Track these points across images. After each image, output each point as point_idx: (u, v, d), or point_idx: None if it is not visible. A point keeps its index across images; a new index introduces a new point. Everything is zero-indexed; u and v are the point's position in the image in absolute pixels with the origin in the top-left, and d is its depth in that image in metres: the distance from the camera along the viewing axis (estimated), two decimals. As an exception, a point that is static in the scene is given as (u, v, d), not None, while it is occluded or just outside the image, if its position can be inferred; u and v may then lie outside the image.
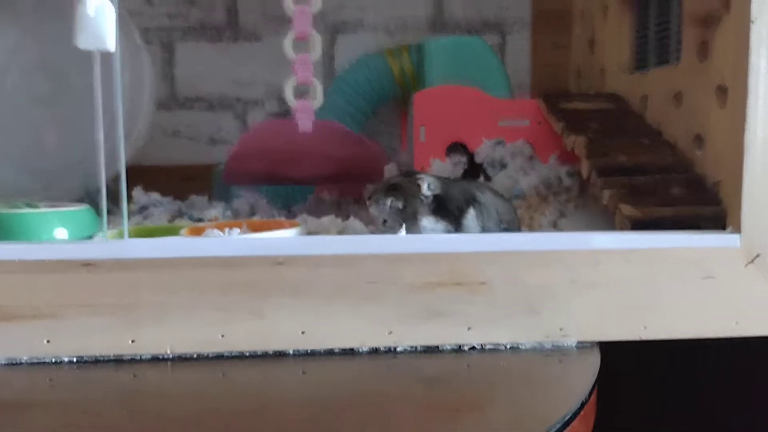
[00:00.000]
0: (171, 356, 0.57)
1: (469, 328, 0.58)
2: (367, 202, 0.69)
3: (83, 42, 0.53)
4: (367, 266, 0.57)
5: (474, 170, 1.01)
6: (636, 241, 0.60)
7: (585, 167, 0.80)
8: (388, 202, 0.68)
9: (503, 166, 1.00)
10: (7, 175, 0.89)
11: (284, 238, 0.59)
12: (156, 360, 0.56)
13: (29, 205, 0.66)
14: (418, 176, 0.69)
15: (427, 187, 0.68)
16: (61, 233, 0.61)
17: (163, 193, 1.01)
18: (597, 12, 1.10)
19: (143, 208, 0.93)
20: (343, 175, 0.86)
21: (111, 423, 0.47)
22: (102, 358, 0.56)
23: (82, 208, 0.64)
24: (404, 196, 0.68)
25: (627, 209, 0.71)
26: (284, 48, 0.81)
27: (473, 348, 0.58)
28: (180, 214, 0.94)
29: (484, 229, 0.69)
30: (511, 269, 0.58)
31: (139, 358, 0.56)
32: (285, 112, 1.24)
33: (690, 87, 0.79)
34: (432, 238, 0.59)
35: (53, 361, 0.56)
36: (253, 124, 1.00)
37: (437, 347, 0.58)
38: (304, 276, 0.57)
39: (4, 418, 0.49)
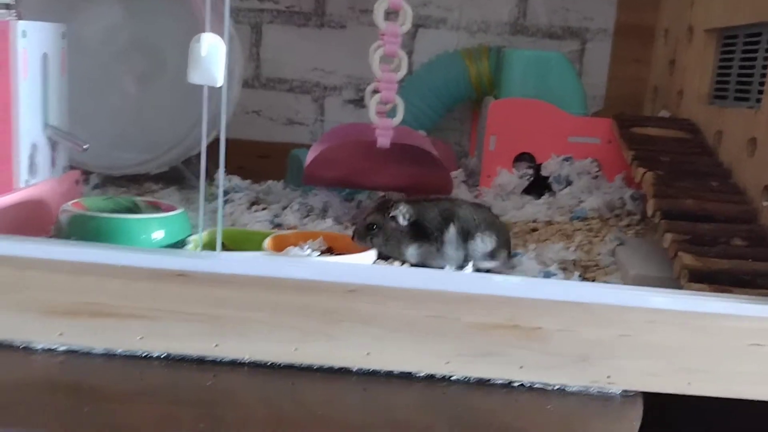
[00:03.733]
0: (248, 361, 0.63)
1: (521, 367, 0.62)
2: (354, 240, 0.73)
3: (195, 78, 0.58)
4: (431, 302, 0.62)
5: (539, 183, 1.04)
6: (692, 304, 0.62)
7: (651, 206, 0.82)
8: (369, 240, 0.72)
9: (569, 183, 1.02)
10: (106, 150, 0.95)
11: (358, 268, 0.64)
12: (234, 364, 0.63)
13: (131, 203, 0.72)
14: (391, 210, 0.71)
15: (402, 218, 0.71)
16: (158, 235, 0.68)
17: (240, 168, 1.07)
18: (682, 34, 1.09)
19: (225, 193, 0.99)
20: (414, 189, 0.89)
21: (190, 415, 0.55)
22: (187, 357, 0.63)
23: (178, 213, 0.70)
24: (384, 232, 0.71)
25: (687, 258, 0.73)
26: (372, 65, 0.84)
27: (522, 386, 0.63)
28: (257, 201, 1.00)
29: (467, 242, 0.72)
30: (568, 319, 0.62)
31: (219, 360, 0.63)
32: (361, 99, 1.28)
33: (766, 136, 0.80)
34: (496, 281, 0.63)
35: (144, 355, 0.63)
36: (330, 128, 1.02)
37: (489, 381, 0.63)
38: (373, 304, 0.62)
39: (100, 401, 0.56)
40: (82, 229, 0.67)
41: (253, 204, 0.98)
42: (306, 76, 1.25)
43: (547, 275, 0.73)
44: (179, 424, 0.55)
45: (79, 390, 0.59)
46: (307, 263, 0.63)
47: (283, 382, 0.62)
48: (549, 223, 0.94)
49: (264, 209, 0.95)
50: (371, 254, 0.70)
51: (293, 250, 0.66)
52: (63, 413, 0.55)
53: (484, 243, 0.73)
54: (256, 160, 1.20)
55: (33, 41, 0.75)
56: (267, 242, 0.71)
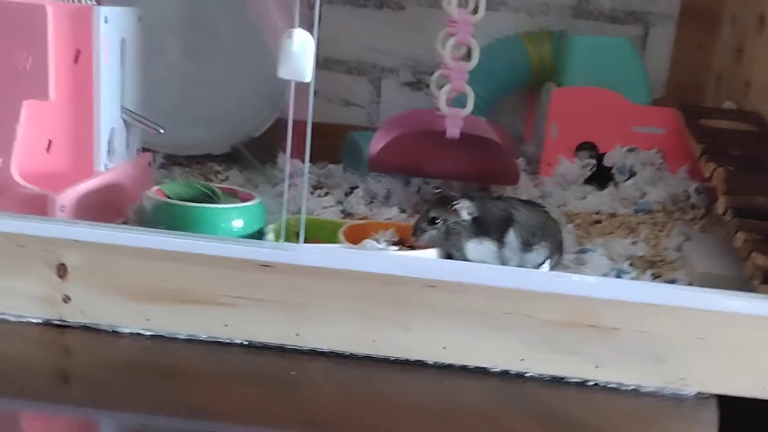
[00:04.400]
0: (327, 351, 0.64)
1: (596, 366, 0.63)
2: (412, 238, 0.72)
3: (285, 73, 0.59)
4: (507, 298, 0.63)
5: (601, 174, 1.03)
6: (769, 309, 0.62)
7: (722, 203, 0.81)
8: (428, 236, 0.70)
9: (632, 174, 1.01)
10: (169, 130, 0.96)
11: (437, 263, 0.64)
12: (314, 353, 0.64)
13: (209, 189, 0.74)
14: (455, 204, 0.70)
15: (466, 213, 0.70)
16: (238, 224, 0.69)
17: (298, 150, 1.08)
18: (751, 21, 1.07)
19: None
20: (479, 178, 0.90)
21: (270, 398, 0.57)
22: (268, 345, 0.64)
23: (256, 203, 0.72)
24: (446, 226, 0.70)
25: (760, 259, 0.73)
26: (444, 54, 0.84)
27: (597, 385, 0.64)
28: (319, 185, 1.01)
29: (524, 245, 0.71)
30: (644, 319, 0.62)
31: (299, 349, 0.64)
32: (418, 81, 1.28)
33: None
34: (574, 281, 0.63)
35: (227, 341, 0.65)
36: (394, 115, 1.01)
37: (563, 379, 0.64)
38: (450, 299, 0.63)
39: (183, 384, 0.59)
40: (165, 217, 0.68)
41: (316, 189, 0.99)
42: (363, 57, 1.25)
43: (619, 273, 0.73)
44: (260, 407, 0.57)
45: (164, 372, 0.61)
46: (387, 257, 0.64)
47: (361, 372, 0.64)
48: (612, 215, 0.93)
49: (327, 194, 0.96)
50: (434, 252, 0.70)
51: (369, 242, 0.67)
52: (149, 394, 0.57)
53: (538, 255, 0.73)
54: (313, 139, 1.20)
55: (113, 26, 0.76)
56: (342, 232, 0.72)
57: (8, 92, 0.65)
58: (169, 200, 0.69)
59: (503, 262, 0.70)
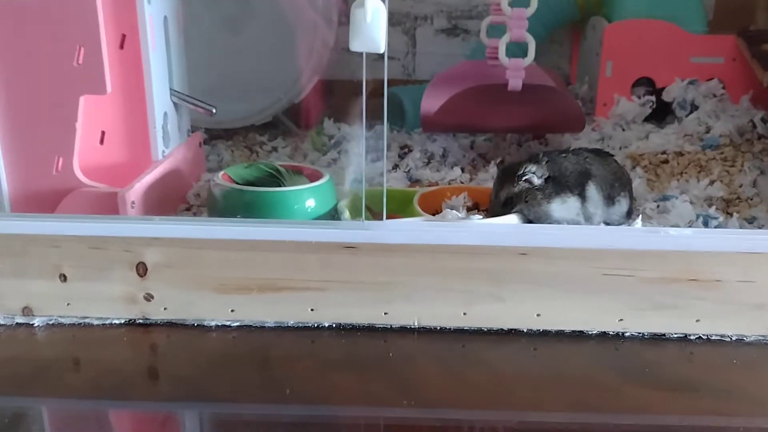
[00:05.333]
0: (417, 327, 0.63)
1: (697, 320, 0.61)
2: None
3: (357, 46, 0.55)
4: (604, 260, 0.60)
5: (661, 110, 0.99)
6: None
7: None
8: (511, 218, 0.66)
9: (693, 107, 0.97)
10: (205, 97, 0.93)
11: (526, 230, 0.62)
12: (404, 330, 0.63)
13: (274, 169, 0.71)
14: (522, 175, 0.66)
15: (536, 179, 0.66)
16: (310, 203, 0.67)
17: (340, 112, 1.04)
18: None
19: (337, 143, 0.97)
20: (542, 128, 0.86)
21: (370, 381, 0.56)
22: (358, 326, 0.63)
23: (325, 181, 0.69)
24: (521, 198, 0.66)
25: None
26: (501, 2, 0.80)
27: (699, 338, 0.62)
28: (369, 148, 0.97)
29: (606, 198, 0.68)
30: (747, 269, 0.60)
31: (389, 327, 0.63)
32: (454, 27, 1.23)
33: None
34: (670, 236, 0.61)
35: (315, 326, 0.63)
36: (445, 72, 0.95)
37: (663, 335, 0.62)
38: (544, 266, 0.61)
39: (276, 369, 0.58)
40: (237, 203, 0.66)
41: (367, 153, 0.96)
42: (394, 5, 1.19)
43: (706, 220, 0.71)
44: (361, 389, 0.56)
45: (256, 361, 0.60)
46: (474, 229, 0.61)
47: (453, 345, 0.62)
48: (679, 153, 0.90)
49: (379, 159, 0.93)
50: (515, 216, 0.66)
51: (450, 212, 0.64)
52: (243, 384, 0.56)
53: (620, 206, 0.69)
54: (351, 98, 1.16)
55: (156, 5, 0.72)
56: (416, 202, 0.70)
57: (63, 88, 0.62)
58: (239, 186, 0.67)
59: (588, 218, 0.67)
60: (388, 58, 1.22)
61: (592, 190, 0.67)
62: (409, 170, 0.87)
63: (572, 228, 0.62)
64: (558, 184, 0.66)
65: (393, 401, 0.54)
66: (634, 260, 0.61)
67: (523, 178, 0.66)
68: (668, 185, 0.82)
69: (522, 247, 0.61)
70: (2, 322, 0.63)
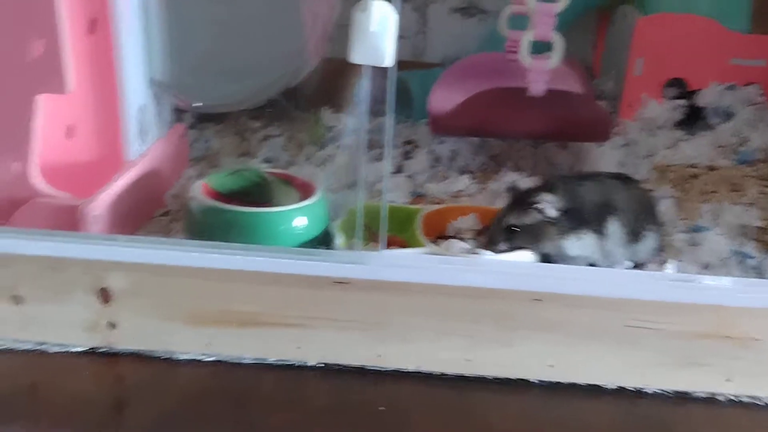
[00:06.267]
0: (414, 371, 0.56)
1: (727, 380, 0.55)
2: (489, 247, 0.59)
3: (358, 57, 0.47)
4: (627, 310, 0.53)
5: (692, 115, 0.91)
6: None
7: None
8: (506, 247, 0.59)
9: (728, 115, 0.88)
10: (200, 84, 0.84)
11: (540, 272, 0.54)
12: (399, 373, 0.56)
13: (259, 177, 0.63)
14: (535, 202, 0.58)
15: (552, 209, 0.58)
16: (300, 222, 0.59)
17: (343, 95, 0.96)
18: None
19: (336, 137, 0.89)
20: (563, 137, 0.78)
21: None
22: (347, 367, 0.56)
23: (315, 201, 0.61)
24: (531, 230, 0.58)
25: None
26: (526, -2, 0.70)
27: (731, 400, 0.55)
28: (372, 144, 0.89)
29: (631, 234, 0.60)
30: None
31: (382, 370, 0.56)
32: (469, 7, 1.13)
33: None
34: (703, 287, 0.54)
35: (299, 365, 0.56)
36: (457, 63, 0.85)
37: (688, 394, 0.55)
38: (559, 313, 0.54)
39: (253, 408, 0.52)
40: (215, 221, 0.58)
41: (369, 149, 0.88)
42: (407, -19, 1.10)
43: (742, 257, 0.63)
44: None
45: (232, 398, 0.53)
46: (481, 267, 0.54)
47: (454, 393, 0.56)
48: (711, 168, 0.82)
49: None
50: (528, 253, 0.59)
51: (456, 243, 0.57)
52: (218, 420, 0.50)
53: (647, 243, 0.61)
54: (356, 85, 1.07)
55: (133, -17, 0.63)
56: (420, 225, 0.62)
57: (17, 86, 0.54)
58: (219, 205, 0.58)
59: (608, 256, 0.59)
60: (399, 36, 1.12)
61: (614, 226, 0.59)
62: (412, 176, 0.79)
63: (593, 273, 0.55)
64: (574, 218, 0.58)
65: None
66: (663, 313, 0.53)
67: (536, 206, 0.58)
68: (698, 207, 0.74)
69: (535, 292, 0.53)
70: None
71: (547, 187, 0.60)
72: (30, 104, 0.54)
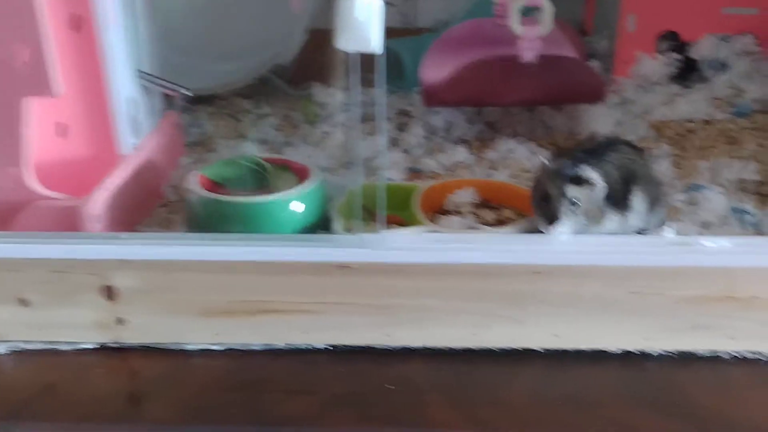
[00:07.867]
0: (421, 348, 0.57)
1: (731, 339, 0.55)
2: (546, 226, 0.55)
3: (345, 44, 0.46)
4: (632, 278, 0.54)
5: (686, 67, 0.90)
6: None
7: None
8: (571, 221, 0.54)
9: (723, 66, 0.87)
10: (191, 65, 0.84)
11: (543, 246, 0.54)
12: (407, 350, 0.57)
13: (257, 165, 0.63)
14: (586, 177, 0.54)
15: (599, 181, 0.54)
16: (298, 208, 0.59)
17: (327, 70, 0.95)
18: None
19: (330, 115, 0.88)
20: (558, 100, 0.77)
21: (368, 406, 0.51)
22: (355, 347, 0.57)
23: (315, 186, 0.61)
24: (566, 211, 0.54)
25: None
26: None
27: (735, 357, 0.56)
28: (367, 117, 0.89)
29: (651, 205, 0.58)
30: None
31: (390, 348, 0.57)
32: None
33: None
34: (706, 250, 0.54)
35: (308, 349, 0.57)
36: (447, 32, 0.83)
37: (693, 354, 0.56)
38: (565, 286, 0.54)
39: (266, 393, 0.52)
40: (214, 213, 0.58)
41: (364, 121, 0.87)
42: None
43: (741, 216, 0.63)
44: (351, 414, 0.51)
45: (245, 385, 0.54)
46: (484, 244, 0.54)
47: (463, 368, 0.56)
48: (707, 122, 0.81)
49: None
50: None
51: (455, 219, 0.57)
52: (233, 407, 0.51)
53: (659, 215, 0.60)
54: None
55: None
56: (418, 203, 0.62)
57: (5, 90, 0.53)
58: (216, 196, 0.58)
59: (627, 229, 0.57)
60: (385, 3, 1.10)
61: (639, 199, 0.57)
62: (407, 150, 0.78)
63: (595, 242, 0.55)
64: (607, 194, 0.55)
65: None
66: (666, 278, 0.54)
67: (589, 180, 0.54)
68: (696, 164, 0.74)
69: (537, 266, 0.54)
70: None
71: (579, 158, 0.55)
72: (20, 109, 0.54)
